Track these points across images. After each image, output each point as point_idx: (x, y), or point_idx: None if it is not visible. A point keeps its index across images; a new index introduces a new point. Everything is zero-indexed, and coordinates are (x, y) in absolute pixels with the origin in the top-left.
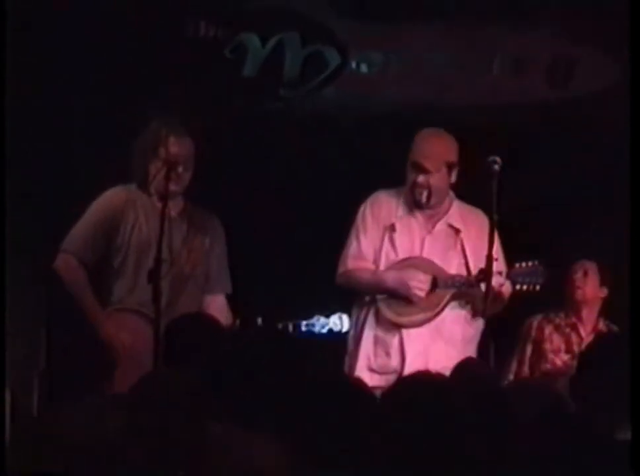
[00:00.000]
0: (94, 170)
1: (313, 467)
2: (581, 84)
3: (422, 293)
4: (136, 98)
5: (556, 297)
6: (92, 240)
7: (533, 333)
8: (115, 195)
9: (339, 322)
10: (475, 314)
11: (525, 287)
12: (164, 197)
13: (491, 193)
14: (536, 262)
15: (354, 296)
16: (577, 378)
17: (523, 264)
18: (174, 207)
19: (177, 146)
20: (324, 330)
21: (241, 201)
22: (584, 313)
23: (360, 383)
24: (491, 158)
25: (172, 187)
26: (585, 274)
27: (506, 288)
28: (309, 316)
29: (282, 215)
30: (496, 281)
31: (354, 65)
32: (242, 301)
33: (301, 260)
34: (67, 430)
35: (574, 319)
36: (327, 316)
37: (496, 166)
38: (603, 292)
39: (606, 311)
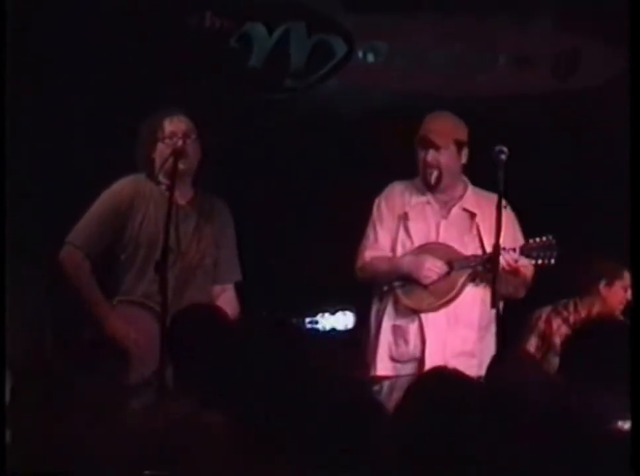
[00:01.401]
0: (94, 170)
1: (314, 467)
2: (584, 77)
3: (434, 276)
4: (141, 91)
5: (563, 285)
6: (97, 232)
7: (542, 326)
8: (124, 186)
9: (343, 318)
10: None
11: (540, 261)
12: (172, 186)
13: (498, 182)
14: (550, 237)
15: (365, 290)
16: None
17: (537, 239)
18: (183, 196)
19: (173, 124)
20: (329, 327)
21: (245, 192)
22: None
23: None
24: (498, 147)
25: (181, 166)
26: (627, 288)
27: (525, 266)
28: (313, 312)
29: (286, 208)
30: (509, 257)
31: (360, 54)
32: (247, 297)
33: (305, 255)
34: (68, 429)
35: (583, 315)
36: (332, 313)
37: (503, 156)
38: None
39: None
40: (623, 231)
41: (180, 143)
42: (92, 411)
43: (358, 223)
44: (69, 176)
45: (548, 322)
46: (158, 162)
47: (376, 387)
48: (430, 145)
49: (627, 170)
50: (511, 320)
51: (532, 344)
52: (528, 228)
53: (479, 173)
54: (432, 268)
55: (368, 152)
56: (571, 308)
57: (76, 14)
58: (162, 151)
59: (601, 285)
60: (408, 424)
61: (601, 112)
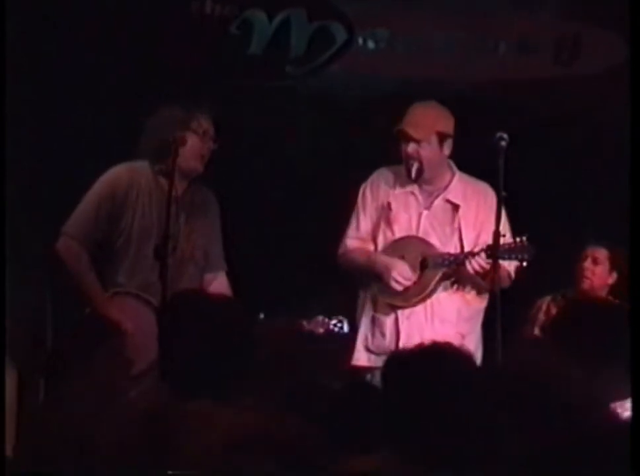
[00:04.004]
0: (94, 163)
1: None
2: (585, 63)
3: (400, 287)
4: (141, 79)
5: (566, 275)
6: (94, 223)
7: (541, 316)
8: (120, 175)
9: (340, 324)
10: (476, 292)
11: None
12: (172, 174)
13: (498, 170)
14: (523, 238)
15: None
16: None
17: (509, 241)
18: (179, 187)
19: (208, 123)
20: (324, 331)
21: (244, 180)
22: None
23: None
24: (498, 134)
25: (197, 164)
26: (595, 262)
27: (500, 266)
28: (310, 316)
29: (285, 196)
30: (481, 259)
31: (360, 41)
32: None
33: (303, 244)
34: (67, 429)
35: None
36: (329, 317)
37: (503, 143)
38: (613, 278)
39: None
40: (624, 218)
41: (212, 145)
42: (92, 406)
43: None
44: (69, 170)
45: (548, 312)
46: (189, 152)
47: (367, 376)
48: (409, 138)
49: (628, 157)
50: (511, 311)
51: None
52: (528, 215)
53: (480, 160)
54: (399, 278)
55: (369, 139)
56: (570, 297)
57: (75, 1)
58: (191, 139)
59: (586, 265)
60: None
61: (603, 98)
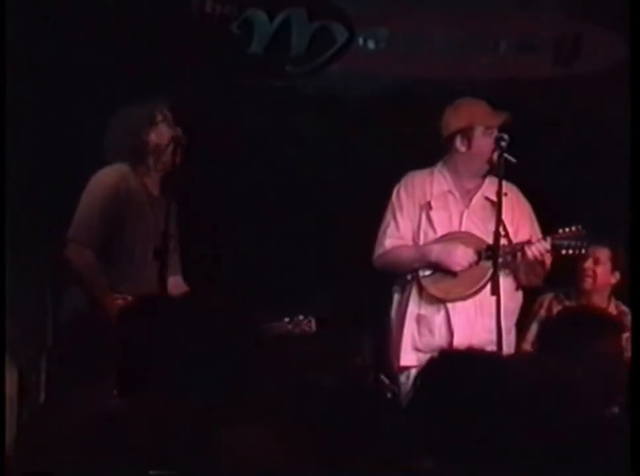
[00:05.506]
0: (94, 160)
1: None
2: (586, 62)
3: (466, 264)
4: (141, 79)
5: (568, 274)
6: (99, 227)
7: (543, 313)
8: (117, 178)
9: (309, 324)
10: (516, 287)
11: (571, 252)
12: (174, 173)
13: (498, 169)
14: (579, 227)
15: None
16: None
17: (567, 229)
18: (155, 187)
19: (169, 114)
20: (298, 331)
21: (243, 181)
22: (595, 299)
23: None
24: (499, 134)
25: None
26: (596, 262)
27: (548, 256)
28: (277, 317)
29: (283, 196)
30: (541, 247)
31: (361, 41)
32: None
33: (302, 252)
34: (67, 429)
35: (583, 303)
36: (297, 317)
37: (504, 143)
38: (615, 277)
39: (621, 291)
40: (624, 216)
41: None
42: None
43: (357, 210)
44: (69, 170)
45: (549, 309)
46: (162, 144)
47: (402, 378)
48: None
49: (628, 157)
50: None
51: (533, 331)
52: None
53: None
54: (464, 256)
55: (369, 139)
56: (573, 294)
57: (75, 1)
58: (162, 133)
59: (587, 265)
60: (418, 412)
61: (603, 98)
